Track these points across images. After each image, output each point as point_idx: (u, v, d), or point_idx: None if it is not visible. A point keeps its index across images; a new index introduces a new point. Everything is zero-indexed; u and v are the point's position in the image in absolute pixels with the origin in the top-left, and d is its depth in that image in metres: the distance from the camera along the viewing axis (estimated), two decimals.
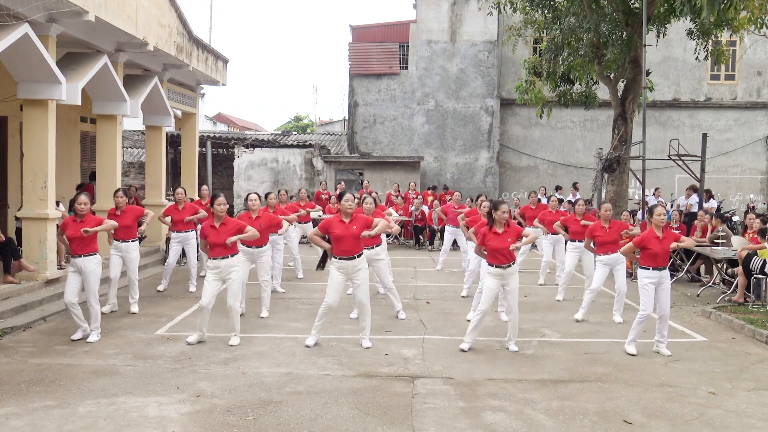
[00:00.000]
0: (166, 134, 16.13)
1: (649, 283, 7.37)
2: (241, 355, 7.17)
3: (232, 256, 7.63)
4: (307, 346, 7.45)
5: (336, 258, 7.35)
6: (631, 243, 7.61)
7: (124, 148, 23.89)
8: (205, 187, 12.27)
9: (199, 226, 11.41)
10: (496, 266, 7.40)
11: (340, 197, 7.41)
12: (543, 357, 7.30)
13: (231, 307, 7.59)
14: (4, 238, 9.63)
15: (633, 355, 7.35)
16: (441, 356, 7.24)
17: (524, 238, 7.52)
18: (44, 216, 10.01)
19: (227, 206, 7.68)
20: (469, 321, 8.68)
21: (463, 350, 7.45)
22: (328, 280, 7.43)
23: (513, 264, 7.43)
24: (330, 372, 6.60)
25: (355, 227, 7.28)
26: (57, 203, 10.85)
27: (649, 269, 7.37)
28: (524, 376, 6.60)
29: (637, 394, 6.11)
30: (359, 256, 7.39)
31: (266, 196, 10.37)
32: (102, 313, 8.79)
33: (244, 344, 7.58)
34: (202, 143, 21.07)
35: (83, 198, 7.71)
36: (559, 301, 10.42)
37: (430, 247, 17.27)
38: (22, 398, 5.74)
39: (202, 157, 21.00)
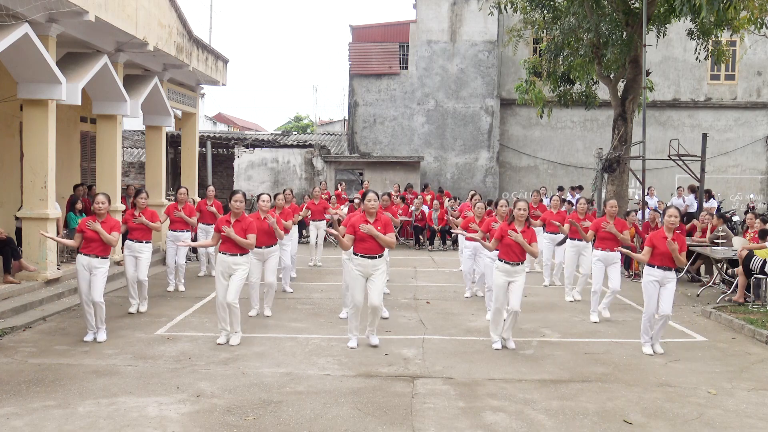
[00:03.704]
0: (166, 134, 16.12)
1: (652, 281, 7.41)
2: (241, 355, 7.17)
3: (241, 255, 7.64)
4: (352, 348, 7.43)
5: (357, 256, 7.36)
6: (647, 246, 7.58)
7: (124, 148, 23.88)
8: (211, 187, 12.39)
9: (200, 226, 11.74)
10: (505, 262, 7.44)
11: (363, 197, 7.46)
12: (543, 357, 7.30)
13: (230, 304, 7.54)
14: (5, 236, 9.63)
15: (650, 354, 7.39)
16: (441, 356, 7.24)
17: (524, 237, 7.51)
18: (44, 216, 10.00)
19: (243, 203, 7.72)
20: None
21: (497, 349, 7.50)
22: (349, 282, 7.44)
23: (522, 263, 7.50)
24: (330, 372, 6.60)
25: (380, 227, 7.30)
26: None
27: (654, 267, 7.42)
28: (524, 376, 6.60)
29: (637, 394, 6.11)
30: (380, 256, 7.38)
31: (275, 196, 10.35)
32: (129, 313, 9.06)
33: (244, 344, 7.58)
34: (202, 143, 21.07)
35: (102, 197, 7.76)
36: (571, 301, 10.40)
37: (430, 247, 17.28)
38: (22, 398, 5.74)
39: (202, 157, 21.00)
